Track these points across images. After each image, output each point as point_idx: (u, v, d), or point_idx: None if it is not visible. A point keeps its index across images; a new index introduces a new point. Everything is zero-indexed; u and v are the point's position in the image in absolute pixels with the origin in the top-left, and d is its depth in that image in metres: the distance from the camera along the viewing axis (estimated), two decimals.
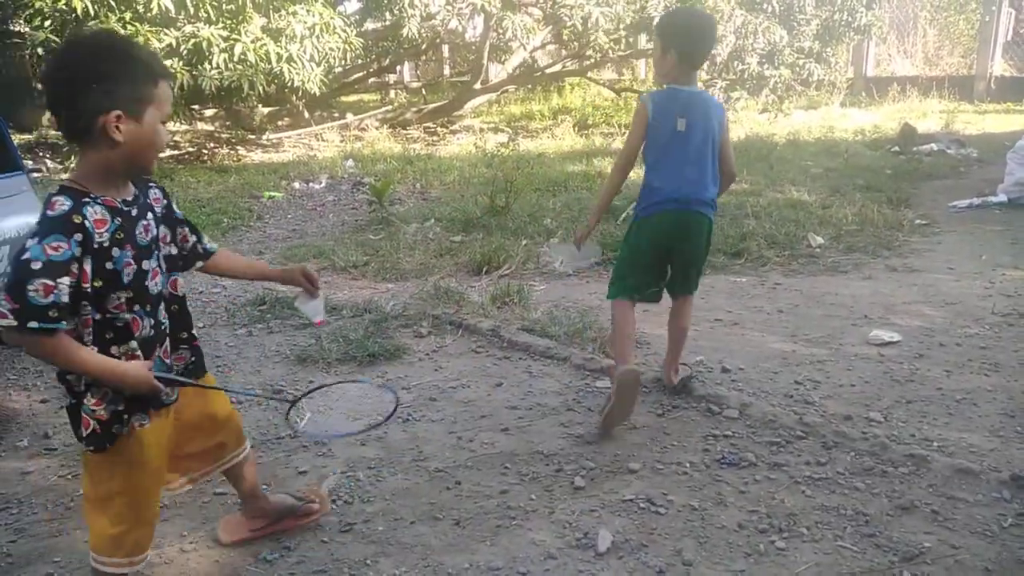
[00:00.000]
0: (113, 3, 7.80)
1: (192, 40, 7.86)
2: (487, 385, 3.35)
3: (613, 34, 10.95)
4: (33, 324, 1.53)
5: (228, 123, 11.97)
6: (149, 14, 7.78)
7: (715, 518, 2.37)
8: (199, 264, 2.00)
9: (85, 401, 1.70)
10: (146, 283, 1.73)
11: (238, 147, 10.60)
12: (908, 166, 8.17)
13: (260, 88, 8.24)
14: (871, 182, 7.30)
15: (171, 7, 7.72)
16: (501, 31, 9.87)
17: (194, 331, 1.97)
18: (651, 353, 3.67)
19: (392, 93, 15.38)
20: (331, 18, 8.66)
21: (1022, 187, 6.55)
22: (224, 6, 8.28)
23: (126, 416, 1.73)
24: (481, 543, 2.27)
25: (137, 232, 1.71)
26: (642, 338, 3.85)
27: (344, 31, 8.83)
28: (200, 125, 12.15)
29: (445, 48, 14.81)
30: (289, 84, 8.51)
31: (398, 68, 15.96)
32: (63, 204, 1.58)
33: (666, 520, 2.36)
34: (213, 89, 8.05)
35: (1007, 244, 5.42)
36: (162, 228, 1.84)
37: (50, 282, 1.53)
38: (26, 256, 1.52)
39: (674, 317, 3.18)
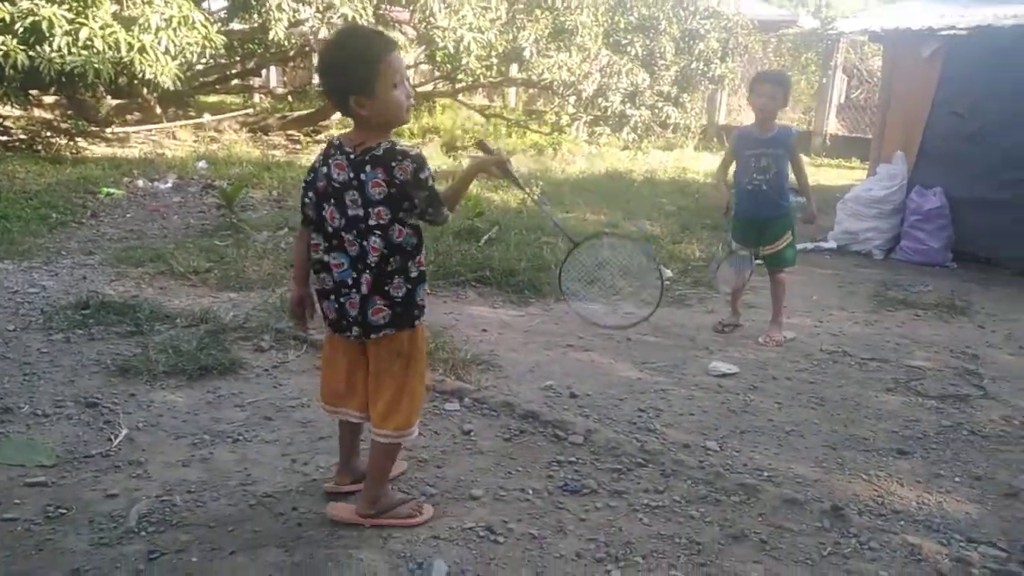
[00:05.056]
0: None
1: (30, 18, 7.19)
2: None
3: (485, 60, 11.05)
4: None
5: (69, 112, 11.05)
6: None
7: (554, 547, 2.33)
8: None
9: (418, 288, 2.29)
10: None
11: (78, 139, 9.78)
12: None
13: (107, 77, 7.63)
14: (718, 222, 7.69)
15: None
16: None
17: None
18: (502, 376, 3.64)
19: (256, 97, 14.77)
20: (191, 11, 8.20)
21: (849, 235, 7.12)
22: None
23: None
24: (308, 575, 2.11)
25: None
26: (494, 360, 3.82)
27: (205, 26, 8.38)
28: (38, 112, 11.15)
29: (315, 56, 14.42)
30: (140, 76, 7.95)
31: (264, 72, 15.37)
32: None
33: (504, 549, 2.30)
34: (53, 74, 7.39)
35: (835, 287, 5.84)
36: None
37: None
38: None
39: None
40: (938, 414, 3.52)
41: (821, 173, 12.47)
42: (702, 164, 12.03)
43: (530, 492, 2.63)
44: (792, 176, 4.42)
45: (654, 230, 7.05)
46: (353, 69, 2.16)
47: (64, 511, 2.32)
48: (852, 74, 15.93)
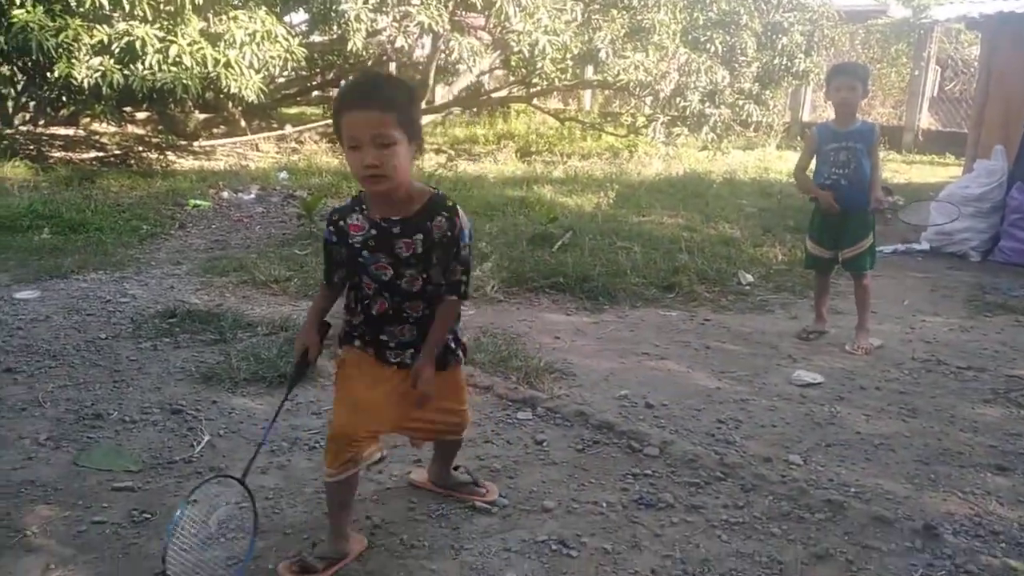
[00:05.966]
0: None
1: (125, 38, 7.56)
2: None
3: (560, 63, 11.01)
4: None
5: (160, 127, 11.58)
6: (81, 8, 7.47)
7: (628, 562, 2.27)
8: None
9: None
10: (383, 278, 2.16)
11: (168, 152, 10.24)
12: None
13: (195, 92, 7.97)
14: (801, 224, 7.42)
15: (105, 3, 7.42)
16: (449, 52, 9.79)
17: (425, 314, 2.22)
18: (576, 385, 3.59)
19: None
20: (273, 25, 8.46)
21: (943, 236, 6.75)
22: (162, 6, 8.01)
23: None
24: None
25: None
26: (568, 368, 3.77)
27: (287, 40, 8.63)
28: (131, 128, 11.73)
29: (392, 65, 14.68)
30: (226, 90, 8.26)
31: (343, 83, 15.75)
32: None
33: (577, 563, 2.26)
34: (146, 91, 7.76)
35: (927, 291, 5.55)
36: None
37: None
38: None
39: None
40: None
41: (913, 170, 11.93)
42: (785, 164, 11.66)
43: (604, 505, 2.58)
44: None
45: (734, 232, 6.86)
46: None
47: (148, 516, 2.40)
48: (946, 65, 15.18)
